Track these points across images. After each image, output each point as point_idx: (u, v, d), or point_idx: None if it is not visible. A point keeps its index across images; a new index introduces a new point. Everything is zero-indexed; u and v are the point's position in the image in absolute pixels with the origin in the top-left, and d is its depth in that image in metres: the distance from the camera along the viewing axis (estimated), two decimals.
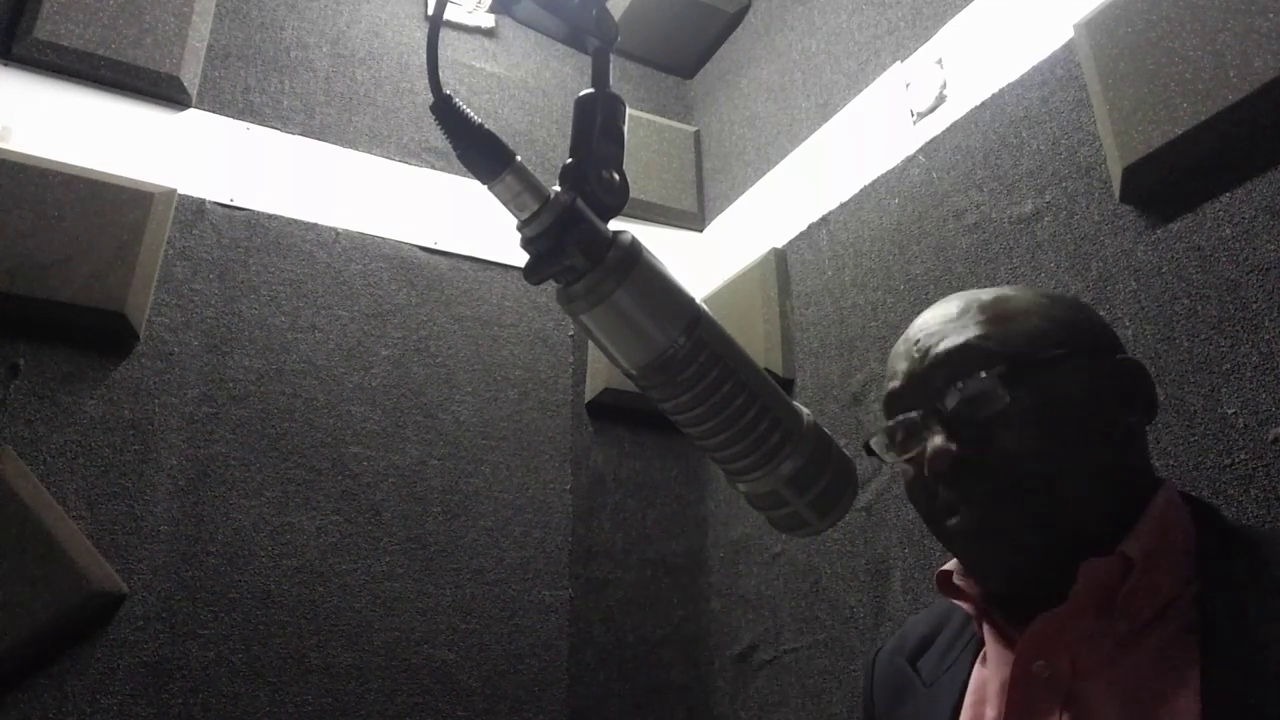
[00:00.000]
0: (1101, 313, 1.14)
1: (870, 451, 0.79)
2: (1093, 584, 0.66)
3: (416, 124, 1.96)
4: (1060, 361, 0.72)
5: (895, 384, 0.78)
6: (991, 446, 0.70)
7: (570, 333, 1.96)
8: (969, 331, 0.74)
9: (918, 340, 0.76)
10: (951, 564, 0.80)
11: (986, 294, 0.79)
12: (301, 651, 1.49)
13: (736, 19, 2.23)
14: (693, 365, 0.53)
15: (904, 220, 1.54)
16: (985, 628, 0.76)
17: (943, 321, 0.76)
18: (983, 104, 1.41)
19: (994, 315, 0.75)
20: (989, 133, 1.39)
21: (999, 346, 0.72)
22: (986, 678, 0.74)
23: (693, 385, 0.54)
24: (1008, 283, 1.30)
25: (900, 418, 0.76)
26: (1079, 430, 0.70)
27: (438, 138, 1.89)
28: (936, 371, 0.74)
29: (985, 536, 0.71)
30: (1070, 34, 1.26)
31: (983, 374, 0.71)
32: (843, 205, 1.70)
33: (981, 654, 0.77)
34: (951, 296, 0.80)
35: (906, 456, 0.76)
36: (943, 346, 0.74)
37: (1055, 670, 0.67)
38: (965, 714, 0.74)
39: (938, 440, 0.72)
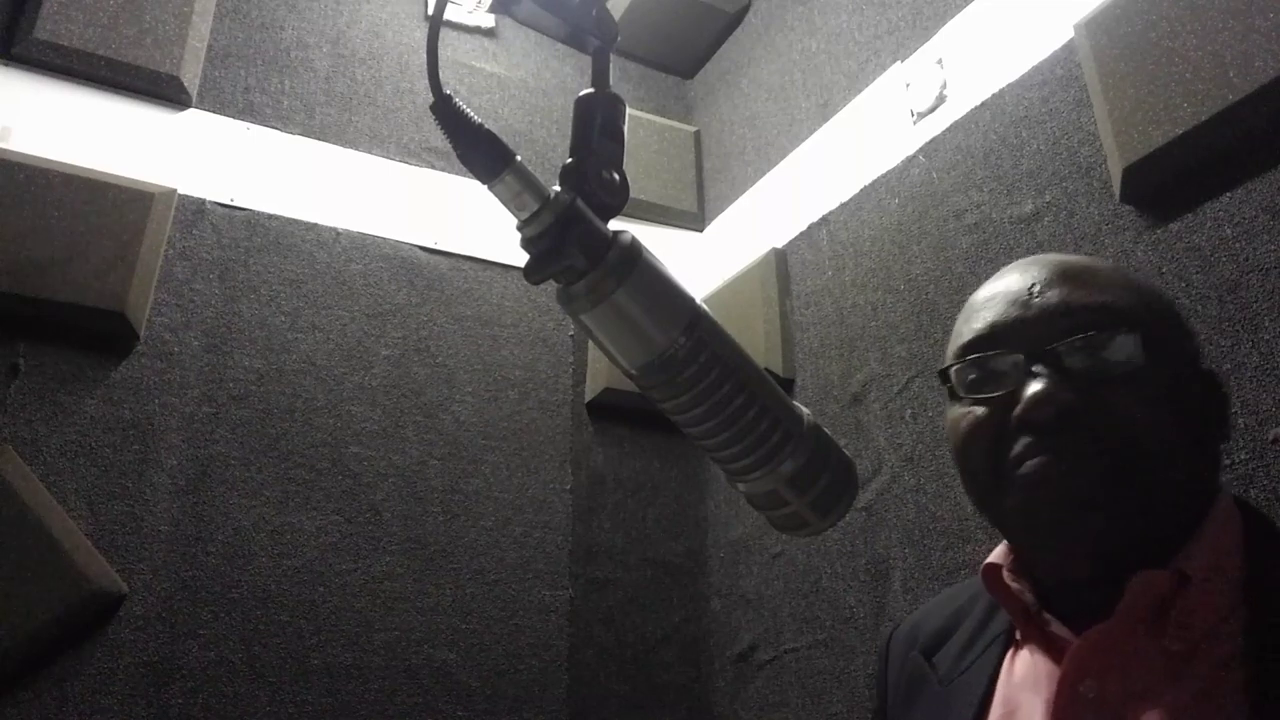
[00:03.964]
0: None
1: (944, 379, 0.72)
2: (1144, 598, 0.62)
3: (416, 124, 1.96)
4: (1182, 341, 0.69)
5: (986, 326, 0.70)
6: (1110, 408, 0.63)
7: (570, 333, 1.96)
8: (1104, 291, 0.68)
9: (1032, 284, 0.69)
10: (998, 554, 0.74)
11: (1102, 263, 0.74)
12: (301, 651, 1.49)
13: (736, 19, 2.23)
14: (693, 365, 0.53)
15: (904, 220, 1.54)
16: (1030, 635, 0.70)
17: (1059, 272, 0.70)
18: (983, 104, 1.41)
19: (1130, 283, 0.70)
20: (989, 133, 1.39)
21: (1140, 312, 0.67)
22: (1018, 688, 0.69)
23: (693, 385, 0.54)
24: None
25: (994, 353, 0.68)
26: (1195, 422, 0.66)
27: (438, 138, 1.89)
28: (1057, 320, 0.67)
29: (1079, 505, 0.63)
30: (1070, 34, 1.26)
31: (1125, 332, 0.65)
32: (843, 205, 1.70)
33: (1010, 655, 0.72)
34: (1056, 256, 0.74)
35: (989, 395, 0.68)
36: (1069, 297, 0.67)
37: (1104, 692, 0.62)
38: None
39: (1042, 385, 0.64)
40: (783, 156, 1.93)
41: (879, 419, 1.49)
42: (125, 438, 1.48)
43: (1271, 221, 0.99)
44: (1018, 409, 0.66)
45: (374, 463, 1.66)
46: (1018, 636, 0.72)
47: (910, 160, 1.55)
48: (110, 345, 1.51)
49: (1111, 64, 1.16)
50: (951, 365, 0.72)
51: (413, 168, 1.92)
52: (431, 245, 1.87)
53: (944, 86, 1.50)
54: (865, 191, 1.65)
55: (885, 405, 1.49)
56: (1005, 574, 0.73)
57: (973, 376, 0.70)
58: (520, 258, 0.54)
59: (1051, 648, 0.68)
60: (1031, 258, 0.75)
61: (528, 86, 2.15)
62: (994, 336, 0.70)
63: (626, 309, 0.53)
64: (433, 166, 1.94)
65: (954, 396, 0.73)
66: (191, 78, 1.72)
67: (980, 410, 0.69)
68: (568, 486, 1.83)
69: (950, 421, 0.73)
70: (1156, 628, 0.62)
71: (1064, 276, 0.70)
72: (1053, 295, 0.68)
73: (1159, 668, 0.61)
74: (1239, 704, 0.57)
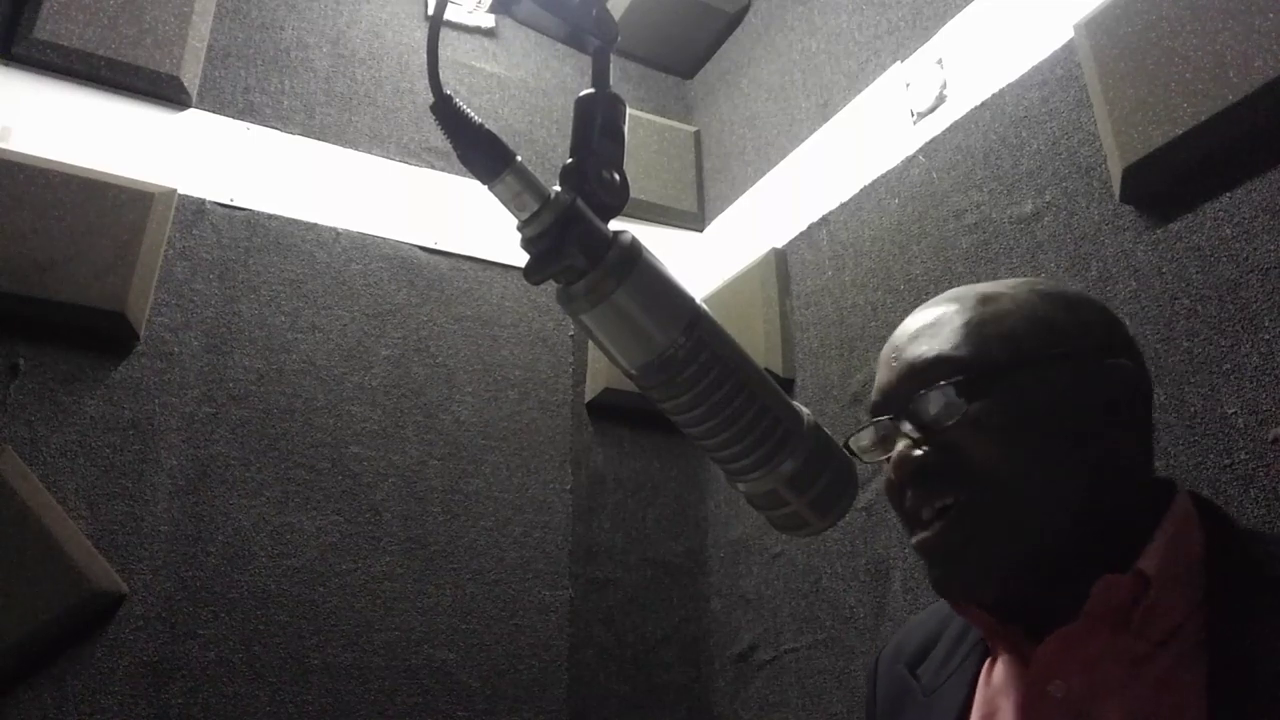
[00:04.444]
0: None
1: (849, 450, 0.79)
2: (1107, 601, 0.64)
3: (416, 124, 1.96)
4: (1032, 366, 0.70)
5: (876, 392, 0.78)
6: (956, 454, 0.69)
7: (570, 333, 1.96)
8: (939, 340, 0.73)
9: (895, 348, 0.77)
10: None
11: (972, 295, 0.77)
12: (301, 651, 1.49)
13: (736, 19, 2.23)
14: (693, 365, 0.53)
15: (904, 220, 1.54)
16: (998, 644, 0.74)
17: (920, 327, 0.76)
18: (983, 104, 1.41)
19: (969, 320, 0.74)
20: (989, 133, 1.39)
21: (966, 353, 0.71)
22: (995, 694, 0.72)
23: (693, 385, 0.54)
24: None
25: (876, 420, 0.76)
26: (1052, 439, 0.68)
27: (438, 138, 1.89)
28: (906, 380, 0.74)
29: (949, 552, 0.69)
30: (1070, 34, 1.26)
31: (941, 383, 0.70)
32: (843, 205, 1.70)
33: (988, 664, 0.75)
34: (942, 296, 0.79)
35: (880, 459, 0.76)
36: (912, 355, 0.74)
37: (1071, 692, 0.65)
38: None
39: (901, 446, 0.72)
40: (783, 156, 1.93)
41: None
42: (125, 438, 1.48)
43: (1271, 221, 0.99)
44: (893, 471, 0.73)
45: (374, 463, 1.66)
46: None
47: (910, 160, 1.55)
48: (110, 345, 1.51)
49: (1111, 64, 1.16)
50: (847, 441, 0.77)
51: (413, 168, 1.92)
52: (431, 245, 1.87)
53: (944, 86, 1.50)
54: (865, 191, 1.65)
55: None
56: None
57: (867, 443, 0.77)
58: (520, 258, 0.54)
59: (1019, 653, 0.71)
60: (930, 300, 0.81)
61: (528, 86, 2.15)
62: (878, 402, 0.77)
63: (626, 309, 0.53)
64: (433, 166, 1.94)
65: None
66: (191, 78, 1.72)
67: (886, 468, 0.75)
68: (568, 486, 1.83)
69: None
70: (1120, 627, 0.65)
71: (923, 329, 0.76)
72: (907, 354, 0.75)
73: (1123, 665, 0.64)
74: (1200, 697, 0.59)
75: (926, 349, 0.74)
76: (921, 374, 0.72)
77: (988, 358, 0.71)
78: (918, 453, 0.71)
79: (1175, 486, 0.72)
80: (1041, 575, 0.67)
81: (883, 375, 0.77)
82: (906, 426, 0.72)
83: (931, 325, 0.75)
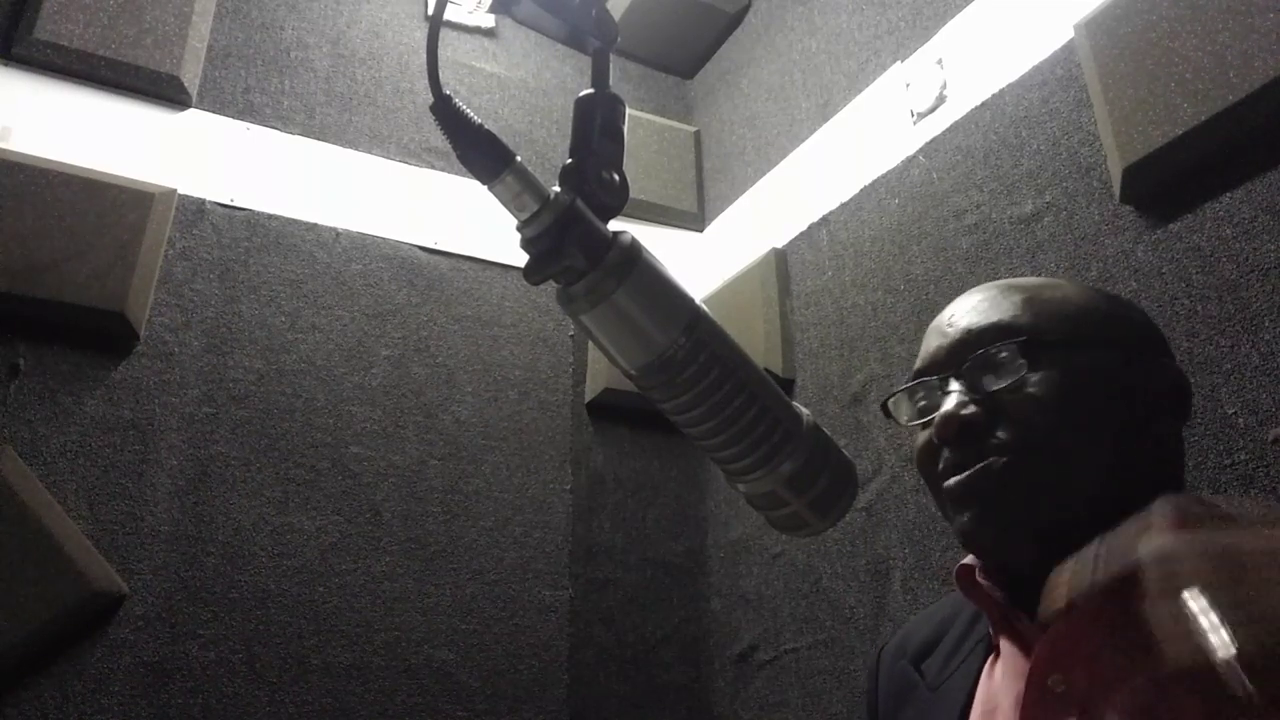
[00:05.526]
0: None
1: (886, 412, 0.80)
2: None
3: (416, 124, 1.96)
4: (1085, 346, 0.72)
5: (923, 357, 0.78)
6: (1003, 416, 0.70)
7: (570, 333, 1.96)
8: (999, 310, 0.75)
9: (951, 315, 0.78)
10: (972, 558, 0.78)
11: (1031, 280, 0.79)
12: (301, 651, 1.49)
13: (736, 19, 2.23)
14: (693, 365, 0.53)
15: (904, 220, 1.54)
16: (1001, 632, 0.74)
17: (978, 300, 0.78)
18: (983, 104, 1.41)
19: (1028, 297, 0.76)
20: (989, 133, 1.39)
21: (1027, 322, 0.73)
22: (998, 686, 0.72)
23: (693, 385, 0.54)
24: None
25: (921, 380, 0.77)
26: (1099, 418, 0.70)
27: (438, 138, 1.89)
28: (960, 344, 0.75)
29: (982, 495, 0.70)
30: (1070, 34, 1.26)
31: (999, 345, 0.72)
32: (843, 205, 1.70)
33: (992, 658, 0.75)
34: (997, 282, 0.81)
35: (919, 420, 0.76)
36: (970, 322, 0.75)
37: (1071, 685, 0.65)
38: None
39: (949, 404, 0.72)
40: (783, 156, 1.93)
41: (879, 419, 1.49)
42: (125, 438, 1.48)
43: (1271, 221, 0.99)
44: (930, 429, 0.74)
45: (374, 463, 1.66)
46: (993, 636, 0.75)
47: (910, 160, 1.55)
48: (110, 345, 1.51)
49: (1111, 64, 1.16)
50: (890, 396, 0.80)
51: (413, 168, 1.92)
52: (431, 245, 1.87)
53: (944, 86, 1.50)
54: (865, 191, 1.65)
55: None
56: (978, 574, 0.76)
57: (914, 403, 0.78)
58: (520, 258, 0.54)
59: (1023, 644, 0.71)
60: (976, 287, 0.82)
61: (528, 86, 2.15)
62: (926, 366, 0.78)
63: (626, 309, 0.53)
64: (433, 166, 1.94)
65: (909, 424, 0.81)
66: (191, 78, 1.72)
67: (923, 433, 0.77)
68: (568, 486, 1.84)
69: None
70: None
71: (980, 302, 0.78)
72: (963, 321, 0.76)
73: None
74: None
75: (985, 316, 0.75)
76: (978, 338, 0.74)
77: (1047, 330, 0.73)
78: (967, 411, 0.71)
79: (1182, 484, 0.74)
80: (1063, 548, 0.67)
81: (933, 341, 0.78)
82: (956, 385, 0.73)
83: (991, 299, 0.77)
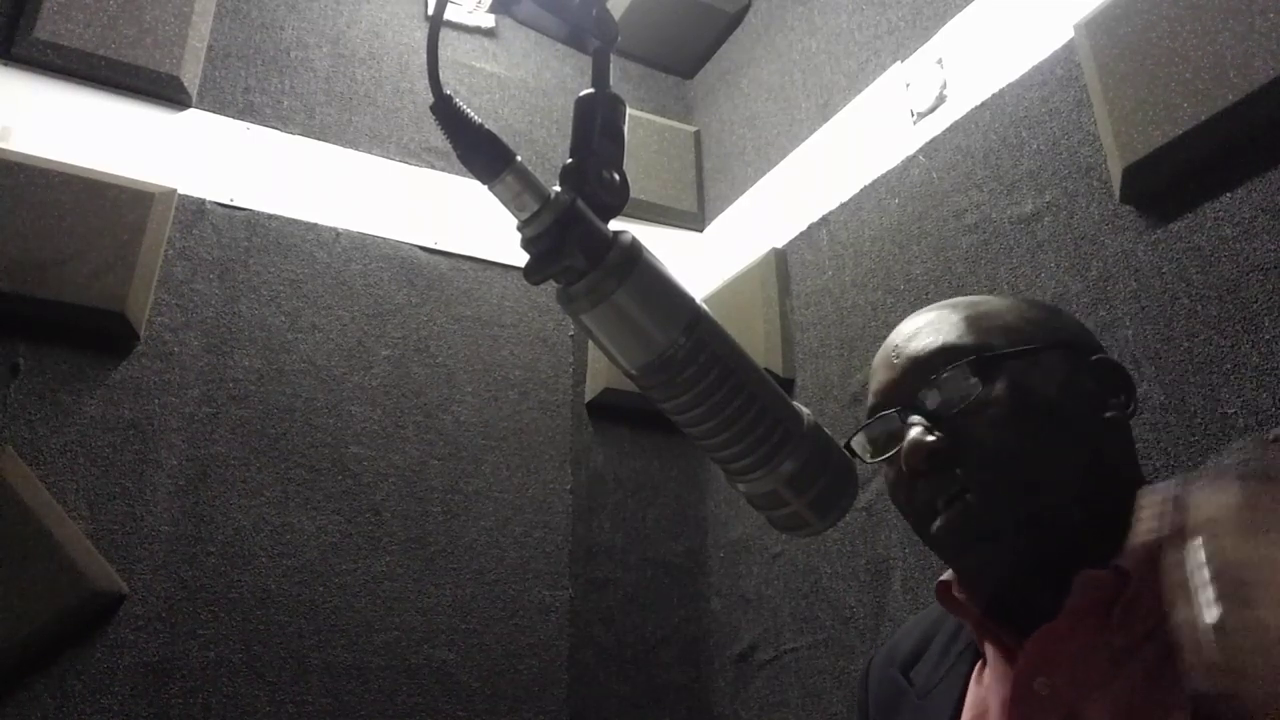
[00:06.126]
0: (1102, 313, 1.15)
1: (850, 451, 0.79)
2: (1089, 597, 0.65)
3: (416, 124, 1.96)
4: (1032, 353, 0.73)
5: (875, 392, 0.79)
6: (968, 438, 0.70)
7: (570, 333, 1.96)
8: (941, 334, 0.76)
9: (895, 347, 0.78)
10: (949, 574, 0.79)
11: (962, 300, 0.80)
12: (301, 651, 1.49)
13: (736, 19, 2.23)
14: (693, 365, 0.53)
15: (904, 220, 1.54)
16: (985, 641, 0.75)
17: (916, 328, 0.78)
18: (983, 104, 1.41)
19: (966, 316, 0.77)
20: (989, 133, 1.39)
21: (971, 341, 0.74)
22: (986, 692, 0.73)
23: (693, 385, 0.54)
24: (1008, 283, 1.30)
25: (879, 415, 0.77)
26: (1055, 423, 0.70)
27: (438, 138, 1.89)
28: (911, 374, 0.75)
29: (969, 536, 0.70)
30: (1070, 34, 1.26)
31: (950, 368, 0.72)
32: (843, 205, 1.70)
33: (979, 665, 0.76)
34: (930, 306, 0.82)
35: (885, 456, 0.76)
36: (915, 348, 0.76)
37: (1056, 688, 0.66)
38: None
39: (912, 434, 0.72)
40: (783, 156, 1.93)
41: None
42: (125, 438, 1.48)
43: (1271, 221, 0.99)
44: (902, 463, 0.73)
45: (374, 463, 1.66)
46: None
47: (910, 160, 1.55)
48: (110, 345, 1.51)
49: (1111, 64, 1.16)
50: (850, 440, 0.79)
51: (413, 168, 1.92)
52: (431, 245, 1.87)
53: (944, 86, 1.50)
54: (865, 191, 1.65)
55: None
56: (955, 590, 0.77)
57: (875, 440, 0.78)
58: (520, 258, 0.54)
59: (1007, 651, 0.72)
60: (908, 317, 0.82)
61: (528, 86, 2.15)
62: (878, 401, 0.78)
63: (626, 309, 0.53)
64: (433, 166, 1.94)
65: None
66: (191, 78, 1.72)
67: (889, 468, 0.77)
68: (568, 486, 1.83)
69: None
70: (1102, 622, 0.66)
71: (922, 327, 0.78)
72: (909, 350, 0.76)
73: (1107, 661, 0.65)
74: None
75: (930, 342, 0.75)
76: (926, 365, 0.74)
77: (991, 344, 0.73)
78: (930, 439, 0.71)
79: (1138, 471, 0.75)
80: (1045, 560, 0.68)
81: (883, 375, 0.78)
82: (914, 418, 0.73)
83: (929, 324, 0.78)
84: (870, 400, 0.80)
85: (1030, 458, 0.69)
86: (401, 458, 1.69)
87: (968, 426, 0.70)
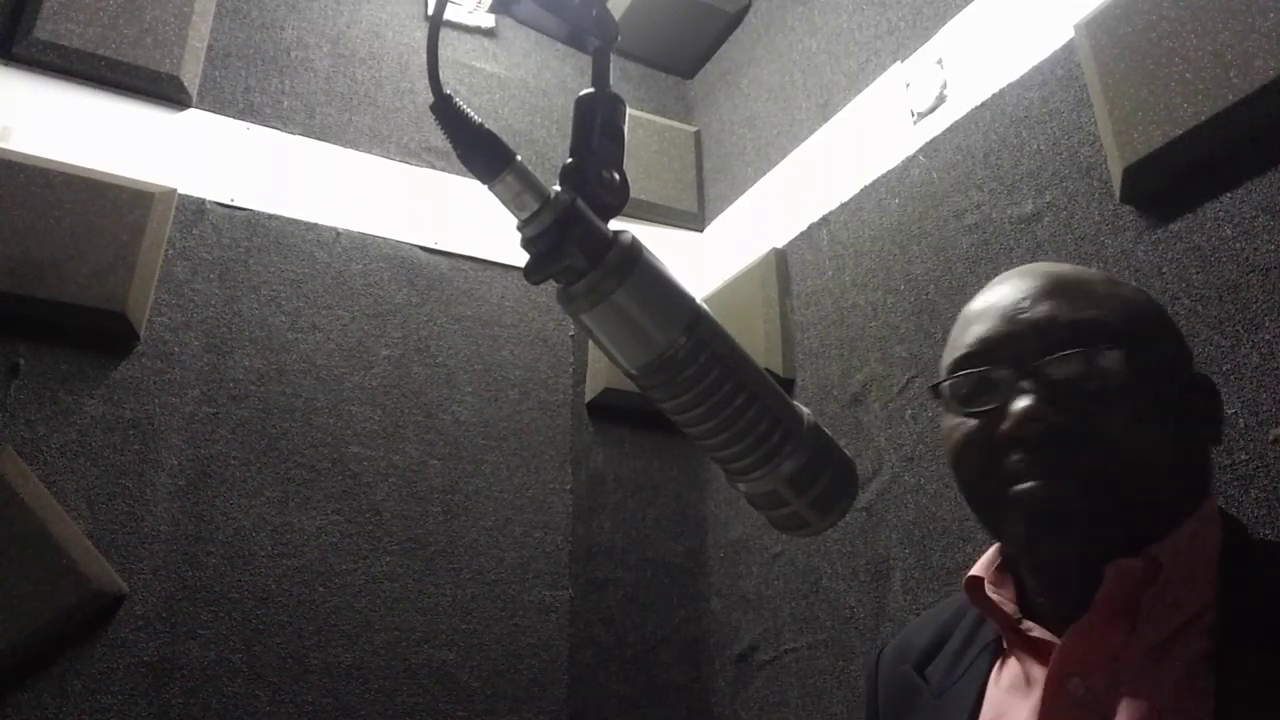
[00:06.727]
0: None
1: (936, 393, 0.75)
2: (1119, 587, 0.63)
3: (417, 124, 1.96)
4: (1154, 343, 0.69)
5: (981, 340, 0.72)
6: (1094, 422, 0.65)
7: (570, 333, 1.96)
8: (1077, 304, 0.70)
9: (1016, 303, 0.72)
10: (980, 567, 0.76)
11: (1079, 271, 0.75)
12: (301, 651, 1.49)
13: (736, 19, 2.23)
14: (693, 365, 0.53)
15: (904, 220, 1.54)
16: (1014, 641, 0.72)
17: (1039, 288, 0.72)
18: (983, 104, 1.41)
19: (1105, 293, 0.71)
20: (989, 133, 1.39)
21: (1111, 321, 0.68)
22: (1004, 693, 0.70)
23: (693, 385, 0.54)
24: None
25: (984, 368, 0.71)
26: (1167, 418, 0.67)
27: (438, 138, 1.89)
28: (1035, 338, 0.69)
29: (1054, 520, 0.66)
30: (1070, 34, 1.26)
31: (1109, 348, 0.66)
32: (843, 205, 1.70)
33: (999, 664, 0.73)
34: (1043, 267, 0.76)
35: (978, 410, 0.70)
36: (1043, 313, 0.70)
37: (1091, 689, 0.64)
38: None
39: (1029, 402, 0.66)
40: (783, 156, 1.93)
41: (879, 419, 1.49)
42: (125, 438, 1.48)
43: (1271, 221, 0.99)
44: (1006, 424, 0.68)
45: (374, 463, 1.66)
46: (1004, 645, 0.74)
47: (910, 160, 1.55)
48: (110, 345, 1.51)
49: (1111, 64, 1.16)
50: (944, 380, 0.74)
51: (413, 168, 1.92)
52: (431, 245, 1.87)
53: (944, 86, 1.50)
54: (865, 191, 1.65)
55: (885, 405, 1.49)
56: (987, 586, 0.74)
57: (965, 390, 0.72)
58: (520, 258, 0.54)
59: (1037, 652, 0.69)
60: (1025, 267, 0.77)
61: (528, 86, 2.15)
62: (985, 351, 0.72)
63: (626, 309, 0.53)
64: (433, 166, 1.94)
65: (949, 408, 0.75)
66: (191, 78, 1.71)
67: (972, 423, 0.71)
68: (568, 486, 1.83)
69: (945, 432, 0.75)
70: (1131, 616, 0.64)
71: (1054, 290, 0.71)
72: (1041, 310, 0.70)
73: (1141, 662, 0.63)
74: (1212, 701, 0.59)
75: (1063, 311, 0.69)
76: (1063, 332, 0.68)
77: (1125, 328, 0.68)
78: (1052, 412, 0.66)
79: (1209, 490, 0.72)
80: (1109, 557, 0.65)
81: (997, 327, 0.71)
82: (1028, 384, 0.67)
83: (1073, 287, 0.71)
84: (968, 348, 0.73)
85: (1150, 463, 0.66)
86: (401, 458, 1.69)
87: (1099, 414, 0.65)
